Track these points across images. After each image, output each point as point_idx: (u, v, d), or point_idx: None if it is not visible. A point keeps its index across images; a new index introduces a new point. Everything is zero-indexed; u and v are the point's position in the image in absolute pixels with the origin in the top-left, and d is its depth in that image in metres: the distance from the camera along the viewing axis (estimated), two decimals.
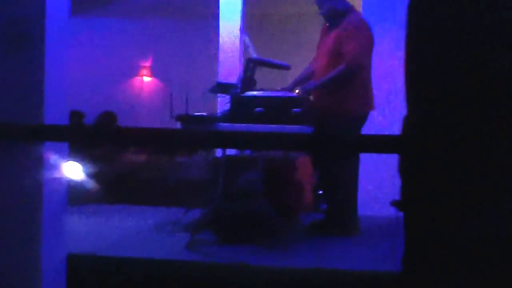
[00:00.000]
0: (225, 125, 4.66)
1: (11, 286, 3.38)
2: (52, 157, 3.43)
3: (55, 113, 3.42)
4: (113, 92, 11.43)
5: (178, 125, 4.67)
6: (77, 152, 5.63)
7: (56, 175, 3.50)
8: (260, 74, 5.24)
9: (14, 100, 3.37)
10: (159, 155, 7.85)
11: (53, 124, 3.32)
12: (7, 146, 3.36)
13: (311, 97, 5.18)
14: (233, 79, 6.02)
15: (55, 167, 3.48)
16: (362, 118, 5.10)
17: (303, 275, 4.02)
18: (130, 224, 5.42)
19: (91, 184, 5.91)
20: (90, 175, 5.97)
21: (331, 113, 5.00)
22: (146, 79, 11.57)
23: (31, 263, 3.36)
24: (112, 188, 6.34)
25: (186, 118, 4.65)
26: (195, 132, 2.79)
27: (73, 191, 3.61)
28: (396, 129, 2.00)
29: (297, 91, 5.17)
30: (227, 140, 2.84)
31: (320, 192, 5.70)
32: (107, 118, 10.11)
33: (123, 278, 4.23)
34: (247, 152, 5.25)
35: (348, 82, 4.97)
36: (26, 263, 3.37)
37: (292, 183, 4.96)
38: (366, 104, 5.13)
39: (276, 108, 4.73)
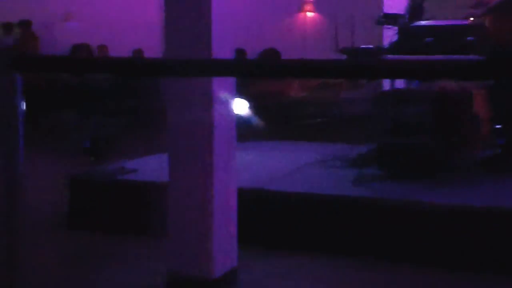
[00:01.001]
0: (392, 57, 4.47)
1: (184, 216, 3.50)
2: (221, 93, 3.47)
3: (221, 49, 3.44)
4: (276, 29, 11.41)
5: (344, 58, 4.55)
6: (243, 88, 5.68)
7: (225, 110, 3.53)
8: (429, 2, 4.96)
9: (183, 37, 3.43)
10: (323, 90, 7.77)
11: (220, 59, 3.34)
12: (177, 82, 3.44)
13: (487, 22, 4.80)
14: (400, 9, 5.75)
15: (224, 102, 3.51)
16: None
17: (479, 214, 3.83)
18: (296, 160, 5.41)
19: (257, 121, 5.97)
20: (255, 111, 6.02)
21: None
22: (309, 14, 11.43)
23: (203, 196, 3.46)
24: (277, 124, 6.36)
25: (352, 51, 4.53)
26: (361, 62, 2.64)
27: (238, 127, 3.65)
28: None
29: (471, 18, 4.83)
30: (395, 69, 2.69)
31: (497, 126, 5.35)
32: (270, 55, 10.10)
33: (289, 213, 4.25)
34: (415, 85, 5.03)
35: None
36: (199, 195, 3.47)
37: (467, 117, 4.69)
38: None
39: (447, 38, 4.47)
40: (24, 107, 2.29)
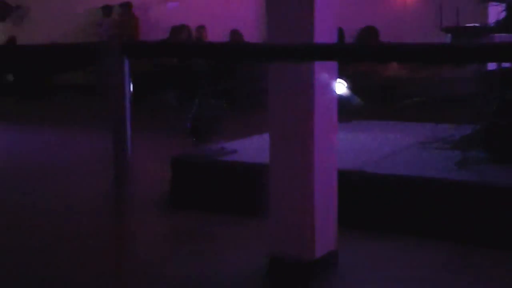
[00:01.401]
0: (500, 36, 4.29)
1: (285, 198, 3.52)
2: (322, 74, 3.45)
3: (324, 33, 3.41)
4: (375, 6, 11.21)
5: (447, 37, 4.41)
6: (341, 68, 5.62)
7: (326, 92, 3.52)
8: None
9: (285, 21, 3.42)
10: (423, 69, 7.58)
11: (322, 44, 3.31)
12: (278, 65, 3.45)
13: None
14: None
15: (325, 84, 3.49)
16: None
17: None
18: (396, 141, 5.32)
19: (356, 101, 5.90)
20: (354, 91, 5.95)
21: None
22: None
23: (304, 177, 3.46)
24: (376, 104, 6.27)
25: (456, 30, 4.38)
26: (466, 46, 2.54)
27: (338, 107, 3.62)
28: None
29: None
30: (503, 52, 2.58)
31: None
32: (369, 33, 9.94)
33: (390, 196, 4.20)
34: None
35: None
36: (300, 177, 3.48)
37: None
38: None
39: None
40: (131, 89, 2.36)
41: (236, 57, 2.94)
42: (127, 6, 14.33)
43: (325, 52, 3.06)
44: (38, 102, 12.96)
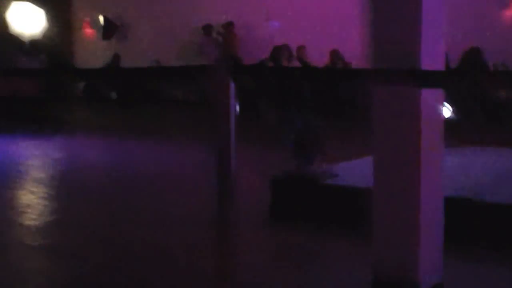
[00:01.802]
0: None
1: (390, 223, 3.46)
2: (429, 99, 3.38)
3: (430, 58, 3.35)
4: (479, 25, 10.90)
5: None
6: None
7: (433, 116, 3.44)
8: None
9: (391, 44, 3.38)
10: None
11: (428, 71, 3.25)
12: (384, 91, 3.41)
13: None
14: None
15: (432, 108, 3.42)
16: None
17: None
18: (505, 167, 5.12)
19: (462, 125, 5.73)
20: (460, 115, 5.78)
21: None
22: None
23: (409, 203, 3.39)
24: (484, 128, 6.06)
25: None
26: None
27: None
28: None
29: None
30: None
31: None
32: (473, 54, 9.62)
33: (497, 224, 4.05)
34: None
35: None
36: (405, 202, 3.41)
37: None
38: None
39: None
40: (238, 108, 2.43)
41: (341, 80, 2.95)
42: (229, 26, 14.57)
43: (431, 79, 3.01)
44: (141, 117, 13.37)
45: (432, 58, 3.35)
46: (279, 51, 11.82)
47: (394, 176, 3.43)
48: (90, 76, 15.33)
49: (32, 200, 5.87)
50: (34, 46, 14.03)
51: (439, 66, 3.46)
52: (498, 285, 3.77)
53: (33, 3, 16.81)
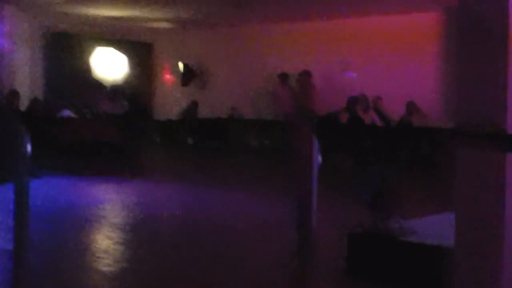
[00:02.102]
0: None
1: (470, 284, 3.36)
2: None
3: None
4: None
5: None
6: None
7: None
8: None
9: (475, 102, 3.33)
10: None
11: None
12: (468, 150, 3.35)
13: None
14: None
15: None
16: None
17: None
18: None
19: None
20: None
21: None
22: None
23: (492, 266, 3.29)
24: None
25: None
26: None
27: None
28: None
29: None
30: None
31: None
32: None
33: None
34: None
35: None
36: (487, 265, 3.31)
37: None
38: None
39: None
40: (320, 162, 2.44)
41: (421, 138, 2.94)
42: (306, 75, 14.63)
43: None
44: (216, 163, 13.50)
45: None
46: (355, 102, 11.80)
47: (476, 235, 3.34)
48: (168, 127, 15.66)
49: (109, 246, 5.99)
50: (115, 91, 14.48)
51: None
52: None
53: (116, 49, 17.39)
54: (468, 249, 3.37)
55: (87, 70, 16.83)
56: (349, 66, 14.25)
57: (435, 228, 4.85)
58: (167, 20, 15.97)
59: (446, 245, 4.00)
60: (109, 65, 17.21)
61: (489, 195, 3.30)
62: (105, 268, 5.14)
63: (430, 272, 4.34)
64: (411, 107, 12.32)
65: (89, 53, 17.05)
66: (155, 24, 16.51)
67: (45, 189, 8.67)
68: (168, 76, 18.65)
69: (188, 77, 17.77)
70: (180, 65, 17.70)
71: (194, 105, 16.58)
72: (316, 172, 2.75)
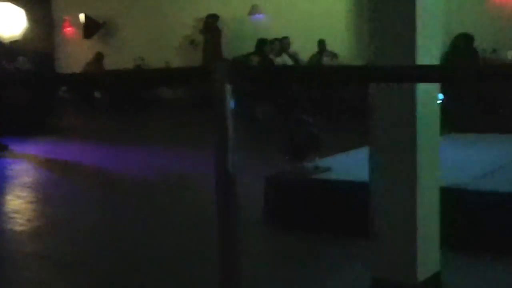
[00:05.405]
0: None
1: (388, 217, 3.40)
2: (425, 89, 3.32)
3: (426, 54, 3.29)
4: (469, 12, 10.91)
5: None
6: None
7: (429, 105, 3.39)
8: None
9: (387, 41, 3.33)
10: None
11: (424, 66, 3.19)
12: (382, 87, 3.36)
13: None
14: None
15: (428, 98, 3.36)
16: None
17: None
18: (502, 155, 5.04)
19: (456, 112, 5.64)
20: (454, 103, 5.69)
21: None
22: None
23: (407, 196, 3.34)
24: (479, 115, 5.98)
25: None
26: None
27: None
28: None
29: None
30: None
31: None
32: (464, 40, 9.35)
33: (494, 215, 3.99)
34: None
35: None
36: (403, 195, 3.35)
37: None
38: None
39: None
40: (233, 107, 2.44)
41: (338, 81, 2.90)
42: (214, 19, 14.51)
43: (426, 75, 2.94)
44: (130, 118, 13.28)
45: (428, 52, 3.30)
46: (265, 44, 11.68)
47: (390, 168, 3.38)
48: (74, 81, 15.10)
49: (20, 205, 5.79)
50: (14, 48, 13.82)
51: (435, 59, 3.40)
52: (491, 271, 3.75)
53: (13, 3, 16.58)
54: (382, 181, 3.41)
55: None
56: (257, 9, 14.15)
57: (350, 164, 4.88)
58: None
59: (361, 180, 4.04)
60: (6, 20, 16.40)
61: (401, 128, 3.33)
62: (19, 228, 5.00)
63: (345, 208, 4.36)
64: (322, 46, 12.34)
65: None
66: None
67: None
68: (69, 29, 17.99)
69: (91, 29, 17.19)
70: (81, 17, 17.09)
71: (99, 57, 16.09)
72: (230, 118, 2.66)
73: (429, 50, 3.32)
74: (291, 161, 4.69)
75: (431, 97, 3.41)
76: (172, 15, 15.71)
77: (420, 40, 3.24)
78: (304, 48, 12.57)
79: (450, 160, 4.73)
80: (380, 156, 3.40)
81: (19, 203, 5.91)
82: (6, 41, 15.10)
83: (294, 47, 12.51)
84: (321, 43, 12.33)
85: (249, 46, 12.14)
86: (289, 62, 11.75)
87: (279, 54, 11.72)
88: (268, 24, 13.99)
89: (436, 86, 3.47)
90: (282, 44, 12.10)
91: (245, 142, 6.23)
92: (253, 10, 14.16)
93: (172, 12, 15.73)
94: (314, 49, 12.41)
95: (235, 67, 2.39)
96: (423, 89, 3.30)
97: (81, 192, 6.49)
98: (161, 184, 6.59)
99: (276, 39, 12.12)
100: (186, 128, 10.96)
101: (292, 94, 10.64)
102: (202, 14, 14.75)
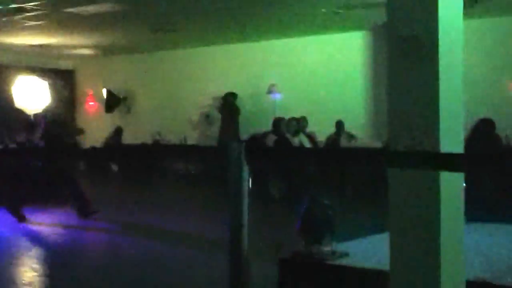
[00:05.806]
0: None
1: None
2: (449, 181, 3.21)
3: (451, 138, 3.22)
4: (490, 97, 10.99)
5: None
6: None
7: (453, 193, 3.27)
8: None
9: (409, 125, 3.25)
10: None
11: (447, 153, 3.12)
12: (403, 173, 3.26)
13: None
14: None
15: (451, 182, 3.25)
16: None
17: None
18: None
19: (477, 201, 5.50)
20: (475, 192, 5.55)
21: None
22: None
23: (430, 286, 3.19)
24: (501, 204, 5.83)
25: None
26: None
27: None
28: None
29: None
30: None
31: None
32: (485, 125, 9.18)
33: None
34: None
35: None
36: (425, 284, 3.21)
37: None
38: None
39: None
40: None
41: (357, 161, 2.85)
42: (231, 97, 14.66)
43: (450, 163, 2.86)
44: (144, 189, 13.31)
45: (451, 139, 3.22)
46: (282, 123, 11.67)
47: (411, 255, 3.24)
48: (91, 156, 15.24)
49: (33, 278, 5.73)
50: (37, 121, 13.98)
51: (458, 147, 3.31)
52: None
53: (38, 77, 16.87)
54: (404, 270, 3.27)
55: (8, 99, 16.25)
56: (274, 88, 14.27)
57: (369, 250, 4.74)
58: (88, 47, 15.71)
59: (380, 267, 3.90)
60: (31, 94, 16.67)
61: (423, 214, 3.21)
62: None
63: None
64: (340, 127, 12.31)
65: (11, 82, 16.50)
66: (76, 51, 16.20)
67: None
68: (91, 103, 18.24)
69: (112, 103, 17.41)
70: (103, 91, 17.35)
71: (118, 132, 16.26)
72: (246, 196, 2.61)
73: (452, 134, 3.23)
74: (306, 243, 4.55)
75: (455, 179, 3.30)
76: (191, 91, 15.91)
77: (443, 125, 3.15)
78: (321, 128, 12.57)
79: (472, 251, 4.55)
80: (401, 243, 3.27)
81: (32, 275, 5.82)
82: (30, 114, 15.30)
83: (311, 127, 12.51)
84: (339, 124, 12.31)
85: (266, 124, 12.19)
86: (306, 142, 11.71)
87: (296, 133, 11.68)
88: (286, 103, 14.07)
89: (461, 177, 3.37)
90: (299, 123, 12.09)
91: (260, 221, 6.09)
92: (271, 89, 14.28)
93: (191, 88, 15.93)
94: (331, 129, 12.39)
95: (251, 147, 2.35)
96: (447, 180, 3.19)
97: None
98: (173, 257, 6.47)
99: (293, 118, 12.12)
100: (196, 204, 10.91)
101: (307, 173, 10.56)
102: (220, 92, 14.90)
